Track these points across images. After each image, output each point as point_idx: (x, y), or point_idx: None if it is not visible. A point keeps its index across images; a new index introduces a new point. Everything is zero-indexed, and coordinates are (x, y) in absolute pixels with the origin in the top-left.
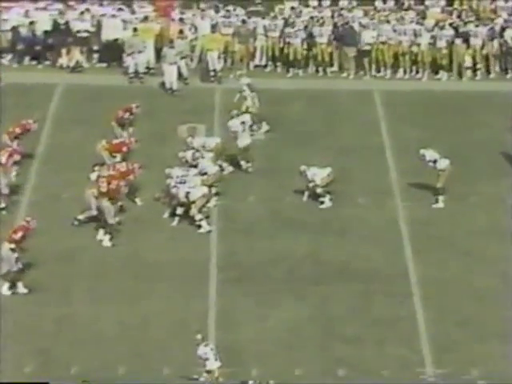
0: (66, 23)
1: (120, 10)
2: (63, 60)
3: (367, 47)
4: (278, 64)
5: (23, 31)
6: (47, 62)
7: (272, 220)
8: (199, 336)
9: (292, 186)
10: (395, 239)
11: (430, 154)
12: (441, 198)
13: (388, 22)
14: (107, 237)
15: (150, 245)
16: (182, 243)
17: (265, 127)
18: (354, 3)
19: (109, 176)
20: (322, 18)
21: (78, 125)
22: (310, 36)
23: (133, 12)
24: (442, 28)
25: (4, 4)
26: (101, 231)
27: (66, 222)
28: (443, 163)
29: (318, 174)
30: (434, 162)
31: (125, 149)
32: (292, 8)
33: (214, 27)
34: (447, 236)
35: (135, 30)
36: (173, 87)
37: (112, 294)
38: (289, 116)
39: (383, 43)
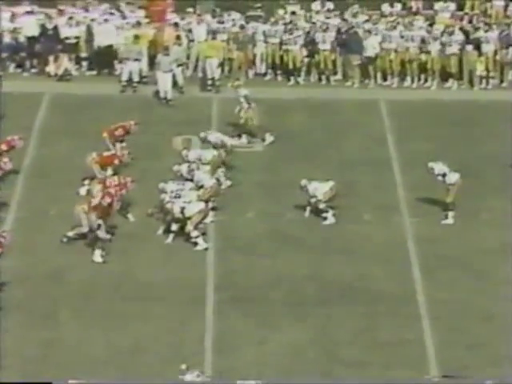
0: (55, 28)
1: (111, 14)
2: (51, 68)
3: (373, 54)
4: (279, 72)
5: (7, 37)
6: (33, 70)
7: (272, 237)
8: (183, 366)
9: (293, 202)
10: (402, 258)
11: (439, 167)
12: (450, 213)
13: (395, 27)
14: (98, 251)
15: (142, 263)
16: (177, 261)
17: (269, 138)
18: (357, 7)
19: (105, 190)
20: (325, 23)
21: (66, 136)
22: (313, 42)
23: (124, 17)
24: (452, 33)
25: None
26: (96, 250)
27: (54, 240)
28: (453, 177)
29: (320, 189)
30: (444, 175)
31: (116, 161)
32: (293, 13)
33: (214, 33)
34: (457, 255)
35: (136, 36)
36: (167, 96)
37: (102, 315)
38: (290, 127)
39: (390, 50)
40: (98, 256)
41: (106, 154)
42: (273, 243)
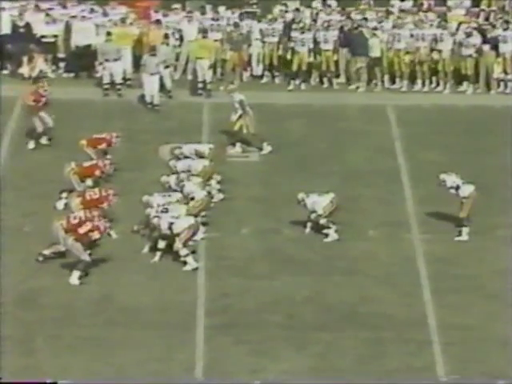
0: (27, 25)
1: (92, 11)
2: (24, 69)
3: (380, 55)
4: (277, 74)
5: None
6: (5, 72)
7: (269, 256)
8: None
9: (292, 218)
10: (411, 279)
11: (451, 179)
12: (465, 230)
13: (404, 25)
14: (77, 273)
15: (125, 285)
16: (164, 283)
17: (267, 148)
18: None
19: (81, 218)
20: (327, 21)
21: (41, 145)
22: (314, 42)
23: (105, 14)
24: (469, 35)
25: None
26: (74, 271)
27: (29, 259)
28: (467, 190)
29: (319, 202)
30: (457, 188)
31: (97, 172)
32: (297, 10)
33: (204, 32)
34: (471, 275)
35: (109, 34)
36: (154, 101)
37: (81, 342)
38: (288, 135)
39: (398, 50)
40: (75, 278)
41: (86, 164)
42: (269, 263)
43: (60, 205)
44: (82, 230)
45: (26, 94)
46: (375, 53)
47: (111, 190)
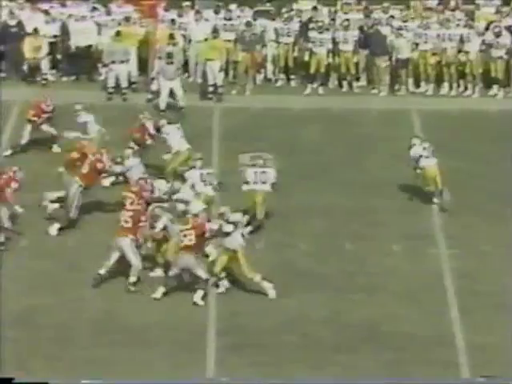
0: (18, 24)
1: (94, 9)
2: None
3: (408, 56)
4: (293, 77)
5: None
6: (1, 74)
7: (283, 272)
8: None
9: (307, 230)
10: (437, 296)
11: (418, 149)
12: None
13: (430, 25)
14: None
15: (130, 302)
16: (172, 300)
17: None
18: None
19: None
20: (346, 20)
21: (38, 153)
22: (332, 42)
23: (108, 13)
24: (499, 35)
25: None
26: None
27: (25, 276)
28: (425, 162)
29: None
30: (417, 160)
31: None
32: (314, 8)
33: (215, 31)
34: (501, 292)
35: (118, 33)
36: (180, 104)
37: (82, 364)
38: (304, 142)
39: (425, 51)
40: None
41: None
42: (284, 279)
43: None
44: None
45: (31, 106)
46: (402, 54)
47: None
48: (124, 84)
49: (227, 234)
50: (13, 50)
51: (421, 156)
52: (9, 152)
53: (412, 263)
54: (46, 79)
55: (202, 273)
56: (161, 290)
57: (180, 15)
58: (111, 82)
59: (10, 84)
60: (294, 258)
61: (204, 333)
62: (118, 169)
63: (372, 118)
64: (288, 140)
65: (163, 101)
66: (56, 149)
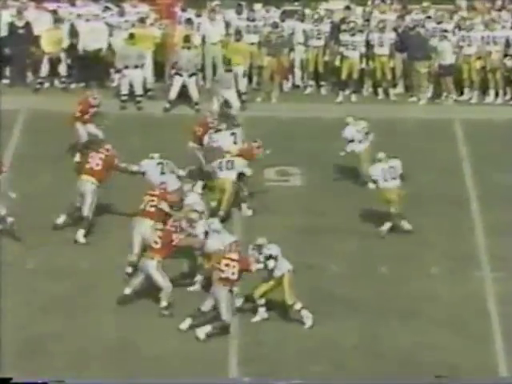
0: (26, 25)
1: (107, 9)
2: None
3: (453, 62)
4: (323, 84)
5: None
6: (5, 81)
7: (311, 295)
8: None
9: (339, 250)
10: (481, 323)
11: (352, 130)
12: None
13: (474, 26)
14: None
15: (147, 329)
16: (191, 328)
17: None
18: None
19: None
20: (382, 21)
21: (46, 166)
22: (366, 45)
23: (122, 13)
24: None
25: None
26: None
27: (34, 301)
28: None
29: None
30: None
31: None
32: (347, 8)
33: (238, 33)
34: None
35: (132, 35)
36: (235, 106)
37: None
38: (336, 155)
39: (469, 56)
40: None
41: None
42: (312, 303)
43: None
44: None
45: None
46: (446, 59)
47: None
48: (139, 91)
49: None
50: (19, 54)
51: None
52: (77, 158)
53: (454, 287)
54: (64, 82)
55: (225, 313)
56: (188, 321)
57: (198, 15)
58: (125, 89)
59: (16, 91)
60: (324, 281)
61: (225, 362)
62: (134, 168)
63: (411, 129)
64: (318, 152)
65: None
66: (78, 158)
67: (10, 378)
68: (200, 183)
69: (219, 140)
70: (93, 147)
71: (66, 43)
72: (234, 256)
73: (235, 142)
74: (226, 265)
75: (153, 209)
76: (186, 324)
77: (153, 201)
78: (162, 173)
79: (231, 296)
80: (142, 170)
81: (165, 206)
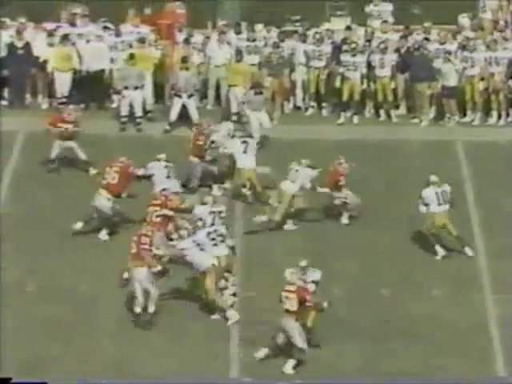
0: (26, 46)
1: (106, 28)
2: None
3: (456, 84)
4: (324, 105)
5: None
6: (3, 102)
7: (315, 319)
8: None
9: (342, 273)
10: (482, 346)
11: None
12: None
13: (477, 47)
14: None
15: (144, 350)
16: (190, 348)
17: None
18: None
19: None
20: (383, 41)
21: (45, 187)
22: (368, 67)
23: (118, 34)
24: None
25: None
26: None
27: (32, 323)
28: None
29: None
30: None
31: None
32: (348, 28)
33: (239, 54)
34: None
35: (132, 56)
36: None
37: None
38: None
39: (472, 77)
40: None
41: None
42: (314, 326)
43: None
44: None
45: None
46: (449, 81)
47: None
48: (138, 113)
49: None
50: (18, 74)
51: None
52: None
53: (455, 309)
54: (64, 103)
55: (299, 341)
56: (264, 351)
57: (190, 35)
58: (124, 111)
59: (14, 113)
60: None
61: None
62: (140, 171)
63: (413, 150)
64: (319, 175)
65: (255, 130)
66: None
67: (10, 378)
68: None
69: (230, 147)
70: (108, 163)
71: (76, 62)
72: (292, 288)
73: (245, 152)
74: (286, 297)
75: (159, 219)
76: (261, 353)
77: (157, 211)
78: (168, 176)
79: (298, 325)
80: (149, 172)
81: (167, 212)
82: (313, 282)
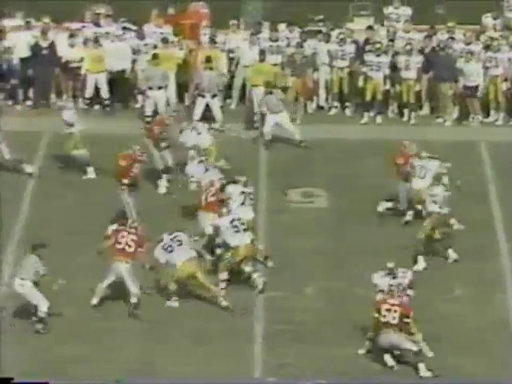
0: (51, 46)
1: (125, 29)
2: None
3: (473, 83)
4: (348, 105)
5: None
6: (29, 102)
7: (337, 321)
8: None
9: (364, 274)
10: (506, 347)
11: None
12: None
13: (501, 47)
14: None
15: (168, 352)
16: (213, 350)
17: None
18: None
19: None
20: (409, 43)
21: (69, 189)
22: (392, 67)
23: (141, 36)
24: None
25: None
26: None
27: (55, 324)
28: None
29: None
30: None
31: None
32: (369, 28)
33: (262, 54)
34: None
35: (155, 56)
36: (297, 137)
37: None
38: (362, 176)
39: (495, 77)
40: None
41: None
42: (338, 328)
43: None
44: None
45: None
46: (472, 81)
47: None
48: (163, 111)
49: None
50: (43, 75)
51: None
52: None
53: (478, 310)
54: (107, 105)
55: (409, 345)
56: (367, 345)
57: (214, 35)
58: (149, 111)
59: (39, 113)
60: (349, 305)
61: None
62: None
63: (436, 151)
64: (343, 175)
65: (266, 133)
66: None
67: (11, 378)
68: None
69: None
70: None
71: (108, 63)
72: (397, 301)
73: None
74: (387, 310)
75: (213, 199)
76: (363, 350)
77: (211, 191)
78: (206, 169)
79: (399, 334)
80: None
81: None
82: (409, 287)
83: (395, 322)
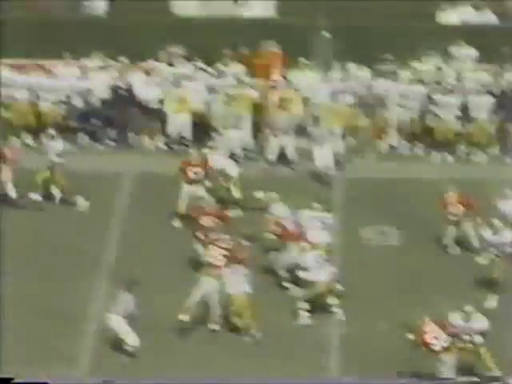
0: (129, 87)
1: (201, 70)
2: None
3: None
4: (419, 145)
5: (77, 101)
6: (111, 143)
7: (412, 357)
8: None
9: (436, 310)
10: None
11: None
12: None
13: None
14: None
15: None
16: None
17: None
18: None
19: None
20: (481, 84)
21: (153, 221)
22: (463, 107)
23: (216, 76)
24: None
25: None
26: None
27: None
28: None
29: None
30: None
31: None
32: (438, 68)
33: (334, 94)
34: None
35: (228, 97)
36: (328, 171)
37: None
38: (433, 217)
39: None
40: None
41: None
42: (415, 364)
43: None
44: None
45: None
46: None
47: None
48: (238, 152)
49: None
50: (122, 115)
51: None
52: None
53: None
54: (187, 145)
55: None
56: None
57: (285, 75)
58: (223, 151)
59: (121, 154)
60: None
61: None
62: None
63: (507, 190)
64: (415, 213)
65: (321, 165)
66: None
67: (11, 378)
68: None
69: None
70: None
71: (193, 104)
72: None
73: None
74: (435, 337)
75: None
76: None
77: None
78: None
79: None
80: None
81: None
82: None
83: (446, 345)
